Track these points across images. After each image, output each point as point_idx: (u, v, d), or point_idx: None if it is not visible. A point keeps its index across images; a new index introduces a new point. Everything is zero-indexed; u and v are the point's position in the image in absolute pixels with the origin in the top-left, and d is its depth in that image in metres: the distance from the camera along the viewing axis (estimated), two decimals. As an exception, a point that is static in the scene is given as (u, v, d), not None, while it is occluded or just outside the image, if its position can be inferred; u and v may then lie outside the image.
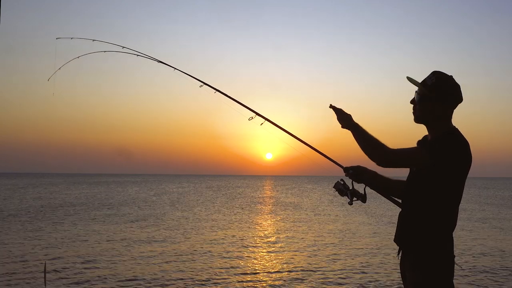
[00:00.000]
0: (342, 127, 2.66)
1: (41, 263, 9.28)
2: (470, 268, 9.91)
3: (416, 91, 2.57)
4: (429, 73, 2.57)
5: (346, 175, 2.81)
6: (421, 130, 2.66)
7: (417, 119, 2.59)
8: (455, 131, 2.51)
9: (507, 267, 10.26)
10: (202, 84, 3.31)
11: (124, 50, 3.85)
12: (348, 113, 2.66)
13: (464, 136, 2.52)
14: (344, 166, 2.83)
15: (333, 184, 2.87)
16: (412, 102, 2.60)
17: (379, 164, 2.49)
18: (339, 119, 2.67)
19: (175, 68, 3.47)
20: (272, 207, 28.56)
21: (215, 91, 3.25)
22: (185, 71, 3.38)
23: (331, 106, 2.72)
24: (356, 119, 2.63)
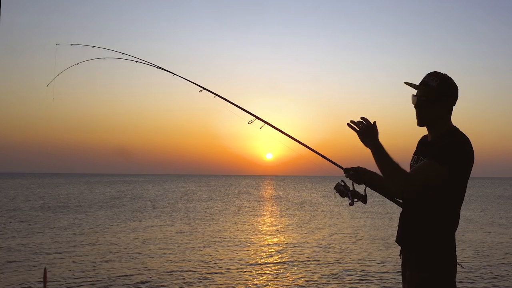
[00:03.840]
0: (365, 145, 2.45)
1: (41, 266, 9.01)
2: (471, 267, 9.91)
3: (416, 94, 2.52)
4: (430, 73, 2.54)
5: (346, 176, 2.81)
6: (423, 131, 2.66)
7: (422, 122, 2.56)
8: (456, 130, 2.52)
9: (509, 265, 10.27)
10: (202, 89, 3.32)
11: (124, 56, 3.85)
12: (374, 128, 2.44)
13: (467, 136, 2.51)
14: (344, 167, 2.83)
15: (334, 186, 2.88)
16: (417, 105, 2.52)
17: (400, 189, 2.45)
18: (362, 136, 2.45)
19: (174, 74, 3.48)
20: (274, 206, 28.62)
21: (214, 95, 3.26)
22: (184, 76, 3.38)
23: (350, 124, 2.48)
24: (358, 119, 2.47)
